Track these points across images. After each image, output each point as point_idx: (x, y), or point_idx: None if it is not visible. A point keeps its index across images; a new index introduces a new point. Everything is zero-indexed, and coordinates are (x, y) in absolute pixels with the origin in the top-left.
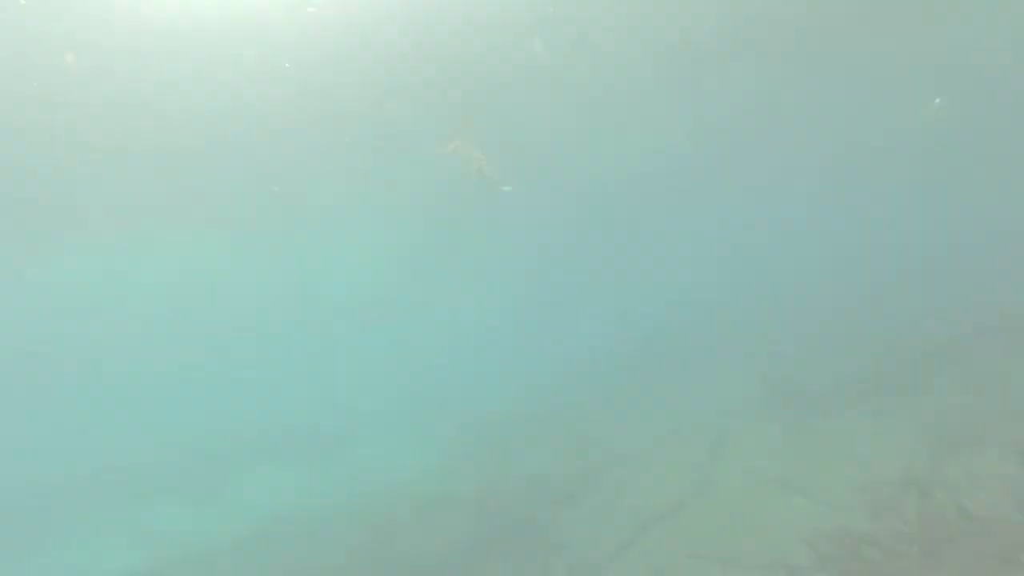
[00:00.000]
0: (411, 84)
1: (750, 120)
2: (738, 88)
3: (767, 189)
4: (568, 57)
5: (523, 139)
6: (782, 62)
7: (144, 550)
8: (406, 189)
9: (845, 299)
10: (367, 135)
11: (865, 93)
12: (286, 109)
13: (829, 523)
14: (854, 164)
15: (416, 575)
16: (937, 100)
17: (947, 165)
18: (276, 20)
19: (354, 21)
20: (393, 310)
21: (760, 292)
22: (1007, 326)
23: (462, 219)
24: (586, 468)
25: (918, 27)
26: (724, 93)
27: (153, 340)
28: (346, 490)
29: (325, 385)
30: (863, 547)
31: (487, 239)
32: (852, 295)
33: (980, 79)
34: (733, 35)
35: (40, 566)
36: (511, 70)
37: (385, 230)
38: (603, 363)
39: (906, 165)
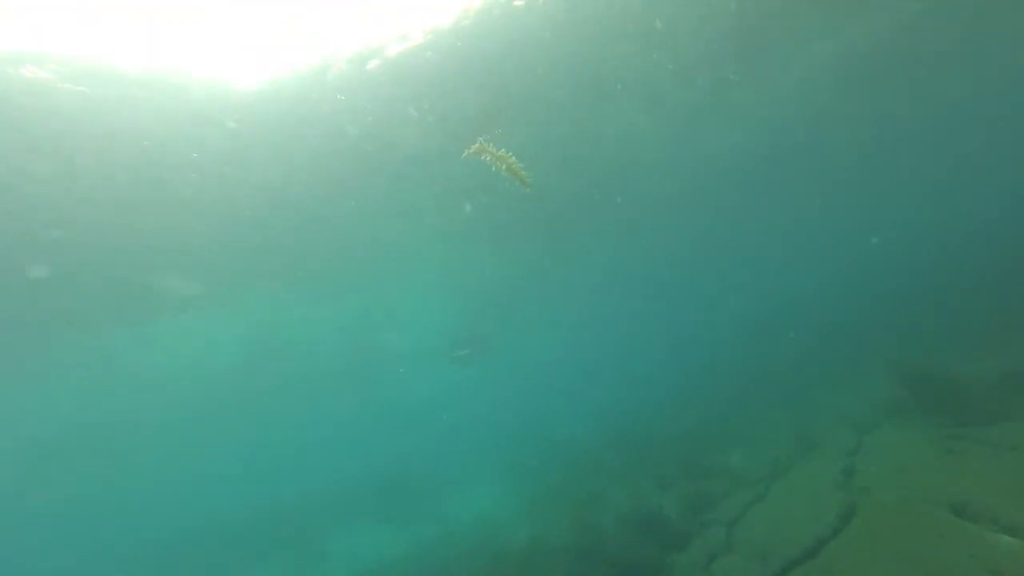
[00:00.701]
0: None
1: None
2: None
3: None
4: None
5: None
6: None
7: None
8: (452, 210)
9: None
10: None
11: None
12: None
13: None
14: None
15: None
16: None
17: None
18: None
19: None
20: (485, 340)
21: (885, 280)
22: None
23: (520, 233)
24: (700, 500)
25: None
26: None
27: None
28: (452, 535)
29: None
30: None
31: (557, 249)
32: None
33: None
34: None
35: None
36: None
37: (449, 257)
38: (715, 372)
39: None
